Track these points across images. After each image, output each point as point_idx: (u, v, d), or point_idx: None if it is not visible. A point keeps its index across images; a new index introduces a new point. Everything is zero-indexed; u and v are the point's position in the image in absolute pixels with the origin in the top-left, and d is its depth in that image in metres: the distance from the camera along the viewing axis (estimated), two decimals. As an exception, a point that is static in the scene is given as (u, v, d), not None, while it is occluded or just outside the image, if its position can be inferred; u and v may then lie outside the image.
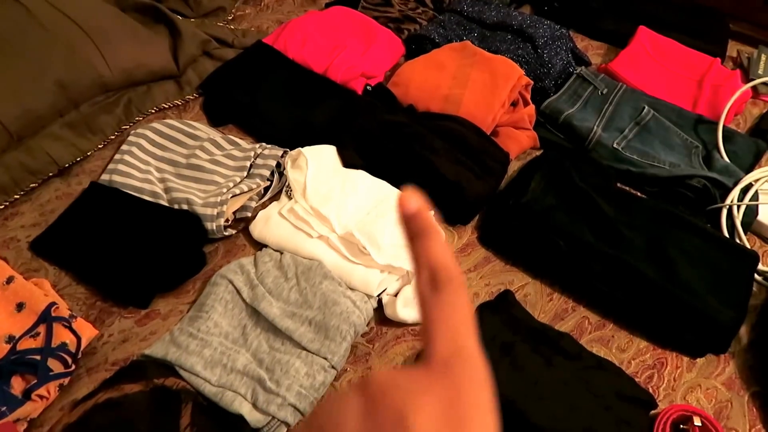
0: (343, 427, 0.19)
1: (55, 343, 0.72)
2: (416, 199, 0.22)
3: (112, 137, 1.01)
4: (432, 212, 0.22)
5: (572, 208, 0.93)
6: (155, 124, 1.00)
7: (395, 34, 1.25)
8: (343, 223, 0.86)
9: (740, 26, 1.78)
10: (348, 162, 0.96)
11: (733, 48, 1.35)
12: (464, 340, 0.20)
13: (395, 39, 1.24)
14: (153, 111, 1.06)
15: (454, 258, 0.22)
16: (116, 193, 0.90)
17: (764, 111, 1.19)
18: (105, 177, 0.93)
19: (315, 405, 0.72)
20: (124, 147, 0.97)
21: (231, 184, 0.92)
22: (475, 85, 1.09)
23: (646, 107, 1.10)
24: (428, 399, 0.18)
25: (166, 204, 0.90)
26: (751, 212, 0.96)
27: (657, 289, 0.83)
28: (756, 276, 0.91)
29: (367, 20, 1.26)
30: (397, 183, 0.95)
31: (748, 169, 1.05)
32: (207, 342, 0.75)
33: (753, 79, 1.24)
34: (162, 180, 0.94)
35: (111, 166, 0.94)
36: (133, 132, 0.99)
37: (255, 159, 0.97)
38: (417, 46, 1.24)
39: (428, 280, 0.21)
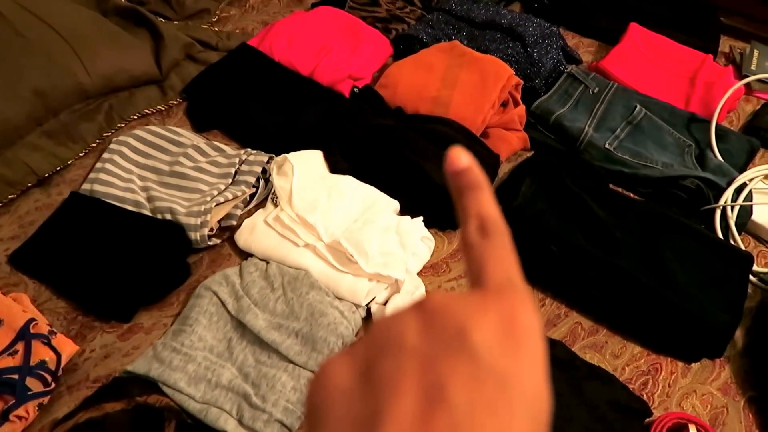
0: (402, 343, 0.19)
1: (33, 360, 0.70)
2: (466, 156, 0.24)
3: (94, 145, 0.99)
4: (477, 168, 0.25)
5: (564, 211, 0.91)
6: (137, 131, 0.98)
7: (383, 34, 1.23)
8: (329, 231, 0.84)
9: (734, 20, 1.76)
10: (335, 168, 0.94)
11: (725, 43, 1.34)
12: (515, 276, 0.22)
13: (383, 39, 1.22)
14: (135, 117, 1.04)
15: (500, 213, 0.24)
16: (97, 204, 0.88)
17: (757, 108, 1.18)
18: (86, 186, 0.91)
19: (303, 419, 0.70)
20: (106, 155, 0.95)
21: (215, 192, 0.90)
22: (464, 86, 1.08)
23: (638, 106, 1.09)
24: (486, 318, 0.19)
25: (149, 214, 0.87)
26: (746, 212, 0.95)
27: (651, 293, 0.82)
28: (751, 277, 0.89)
29: (354, 20, 1.24)
30: (385, 188, 0.93)
31: (742, 168, 1.04)
32: (191, 357, 0.73)
33: (746, 75, 1.22)
34: (145, 188, 0.92)
35: (92, 175, 0.92)
36: (114, 139, 0.96)
37: (240, 165, 0.95)
38: (405, 46, 1.22)
39: (478, 229, 0.23)
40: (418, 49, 1.18)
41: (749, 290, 0.88)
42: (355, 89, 1.11)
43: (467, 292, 0.21)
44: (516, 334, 0.19)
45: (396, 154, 0.95)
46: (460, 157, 0.24)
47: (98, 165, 0.94)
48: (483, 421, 0.17)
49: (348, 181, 0.91)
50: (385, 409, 0.18)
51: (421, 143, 0.97)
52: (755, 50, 1.26)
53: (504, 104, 1.10)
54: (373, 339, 0.20)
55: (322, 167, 0.94)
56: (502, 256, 0.22)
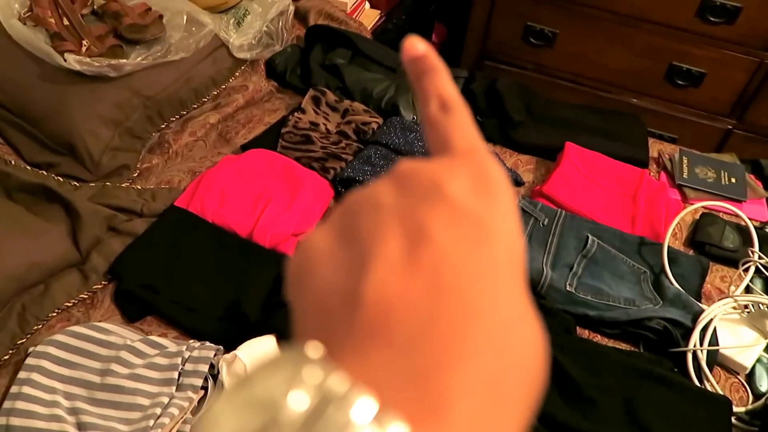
0: (378, 203, 0.20)
1: None
2: (422, 43, 0.24)
3: (6, 357, 0.85)
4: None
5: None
6: (58, 336, 0.85)
7: (321, 176, 1.17)
8: (297, 447, 0.75)
9: (645, 101, 1.87)
10: (292, 358, 0.85)
11: (653, 148, 1.37)
12: (478, 142, 0.22)
13: (322, 182, 1.16)
14: (54, 314, 0.91)
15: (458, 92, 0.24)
16: (16, 446, 0.75)
17: (697, 217, 1.20)
18: (1, 421, 0.77)
19: None
20: (22, 374, 0.81)
21: (158, 410, 0.79)
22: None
23: (590, 237, 1.08)
24: (458, 172, 0.20)
25: (81, 448, 0.75)
26: (714, 351, 0.94)
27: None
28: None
29: (289, 163, 1.17)
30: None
31: (698, 291, 1.04)
32: None
33: (681, 184, 1.25)
34: (73, 411, 0.79)
35: (7, 404, 0.79)
36: (31, 351, 0.84)
37: (183, 365, 0.85)
38: (345, 187, 1.16)
39: (439, 107, 0.23)
40: (360, 191, 1.13)
41: (732, 436, 0.86)
42: (300, 248, 1.03)
43: (435, 157, 0.22)
44: (487, 185, 0.20)
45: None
46: (416, 45, 0.24)
47: (14, 389, 0.80)
48: (467, 255, 0.18)
49: (309, 375, 0.83)
50: (372, 253, 0.18)
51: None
52: (684, 157, 1.30)
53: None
54: (347, 206, 0.21)
55: (278, 359, 0.85)
56: (465, 126, 0.23)
